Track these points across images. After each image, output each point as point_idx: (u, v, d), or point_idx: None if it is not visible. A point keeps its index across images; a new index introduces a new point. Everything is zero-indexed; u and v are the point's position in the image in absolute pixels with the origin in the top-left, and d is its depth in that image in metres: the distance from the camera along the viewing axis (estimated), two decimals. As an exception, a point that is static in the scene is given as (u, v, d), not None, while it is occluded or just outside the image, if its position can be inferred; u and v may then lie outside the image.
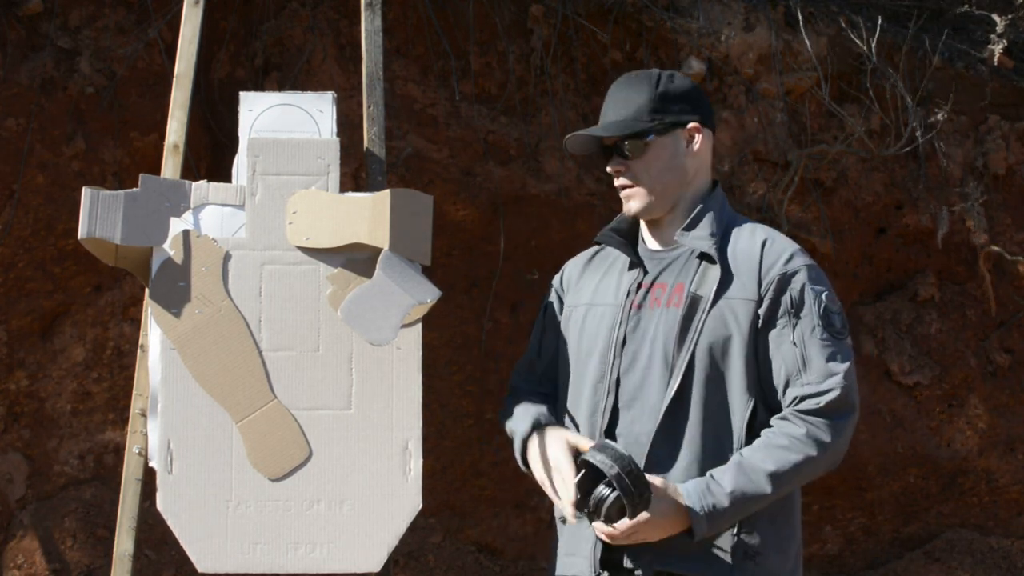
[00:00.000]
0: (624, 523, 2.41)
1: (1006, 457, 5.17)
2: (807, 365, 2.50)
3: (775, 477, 2.45)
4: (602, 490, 2.40)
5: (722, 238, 2.63)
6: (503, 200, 4.53)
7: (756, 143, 4.85)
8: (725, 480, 2.44)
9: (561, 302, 2.82)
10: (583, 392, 2.65)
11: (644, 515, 2.41)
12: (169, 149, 2.95)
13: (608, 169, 2.67)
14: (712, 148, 2.75)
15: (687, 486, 2.45)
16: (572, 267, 2.86)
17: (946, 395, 5.08)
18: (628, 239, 2.74)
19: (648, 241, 2.72)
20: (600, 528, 2.45)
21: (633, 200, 2.66)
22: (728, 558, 2.50)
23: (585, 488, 2.45)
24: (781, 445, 2.46)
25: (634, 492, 2.37)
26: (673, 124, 2.63)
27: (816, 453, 2.46)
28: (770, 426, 2.53)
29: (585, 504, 2.44)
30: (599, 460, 2.39)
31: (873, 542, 5.10)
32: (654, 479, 2.44)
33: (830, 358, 2.50)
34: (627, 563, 2.53)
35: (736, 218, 2.71)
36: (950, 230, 5.07)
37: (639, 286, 2.65)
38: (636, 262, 2.68)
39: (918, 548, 5.10)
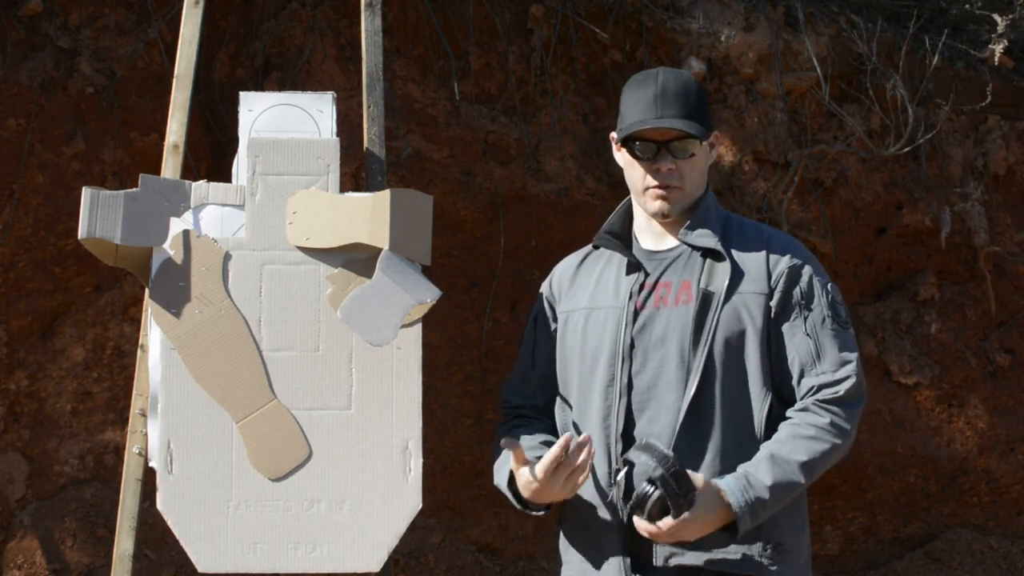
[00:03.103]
0: (668, 522, 2.41)
1: (1006, 457, 5.17)
2: (821, 355, 2.55)
3: (807, 467, 2.49)
4: (645, 487, 2.40)
5: (722, 235, 2.64)
6: (503, 200, 4.53)
7: (756, 143, 4.85)
8: (762, 473, 2.46)
9: (553, 310, 2.81)
10: (592, 397, 2.64)
11: (686, 514, 2.41)
12: (169, 149, 2.95)
13: (660, 168, 2.63)
14: None
15: (727, 482, 2.46)
16: (561, 273, 2.85)
17: (946, 395, 5.08)
18: (622, 241, 2.74)
19: (643, 242, 2.72)
20: (643, 526, 2.45)
21: (672, 201, 2.64)
22: (751, 549, 2.52)
23: (628, 485, 2.45)
24: (809, 436, 2.50)
25: (678, 493, 2.38)
26: (708, 130, 2.65)
27: (841, 442, 2.53)
28: (787, 418, 2.55)
29: (628, 499, 2.45)
30: (643, 460, 2.41)
31: (873, 542, 5.10)
32: (696, 477, 2.44)
33: (842, 348, 2.57)
34: (656, 561, 2.53)
35: (728, 215, 2.73)
36: (950, 230, 5.07)
37: (641, 287, 2.64)
38: (636, 263, 2.67)
39: (918, 548, 5.10)
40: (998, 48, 5.09)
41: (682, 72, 2.71)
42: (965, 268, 5.19)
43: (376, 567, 2.73)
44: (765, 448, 2.51)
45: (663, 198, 2.63)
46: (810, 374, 2.56)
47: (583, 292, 2.74)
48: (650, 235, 2.71)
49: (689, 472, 2.43)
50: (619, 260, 2.70)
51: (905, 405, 5.02)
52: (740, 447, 2.54)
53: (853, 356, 2.58)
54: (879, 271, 5.16)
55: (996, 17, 5.13)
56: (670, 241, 2.68)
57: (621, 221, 2.76)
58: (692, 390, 2.53)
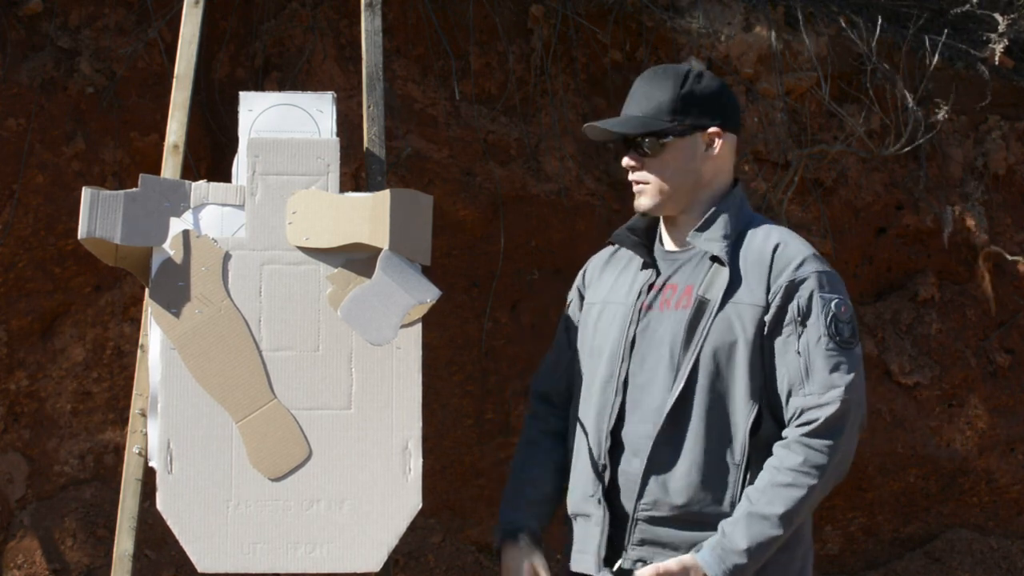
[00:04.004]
0: None
1: (1006, 457, 5.17)
2: (810, 376, 2.46)
3: (786, 518, 2.43)
4: None
5: (736, 240, 2.58)
6: (503, 200, 4.53)
7: (756, 143, 4.85)
8: (738, 536, 2.43)
9: (582, 299, 2.81)
10: (593, 391, 2.64)
11: None
12: (169, 149, 2.95)
13: (623, 163, 2.63)
14: (735, 150, 2.69)
15: (703, 556, 2.44)
16: (593, 264, 2.82)
17: (946, 395, 5.08)
18: (645, 238, 2.71)
19: (665, 241, 2.68)
20: None
21: (643, 197, 2.62)
22: None
23: None
24: (785, 483, 2.44)
25: None
26: (693, 127, 2.58)
27: (817, 482, 2.43)
28: (771, 453, 2.50)
29: None
30: None
31: (873, 542, 5.10)
32: (669, 565, 2.44)
33: (834, 369, 2.46)
34: (627, 564, 2.53)
35: (754, 220, 2.65)
36: (950, 230, 5.07)
37: (650, 287, 2.63)
38: (649, 262, 2.66)
39: (918, 548, 5.11)
40: (998, 48, 5.09)
41: (670, 67, 2.66)
42: (965, 268, 5.19)
43: (376, 567, 2.73)
44: (745, 499, 2.46)
45: (638, 194, 2.63)
46: (797, 394, 2.48)
47: (604, 286, 2.73)
48: (670, 235, 2.68)
49: (657, 567, 2.44)
50: (639, 257, 2.69)
51: (905, 405, 5.03)
52: (719, 459, 2.50)
53: (845, 379, 2.45)
54: (879, 271, 5.16)
55: (996, 17, 5.13)
56: (686, 242, 2.66)
57: (647, 217, 2.73)
58: (673, 397, 2.50)
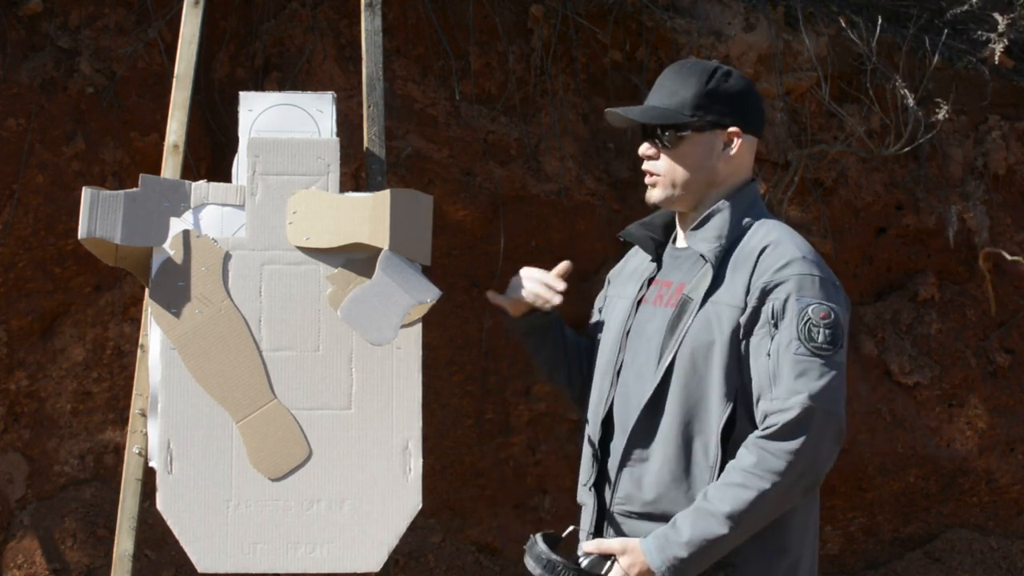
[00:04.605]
0: None
1: (1006, 457, 5.17)
2: (776, 380, 2.42)
3: (733, 518, 2.38)
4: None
5: (736, 240, 2.55)
6: (503, 200, 4.53)
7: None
8: (684, 529, 2.40)
9: (608, 285, 2.83)
10: (596, 380, 2.68)
11: None
12: (169, 149, 2.96)
13: (640, 151, 2.62)
14: (754, 153, 2.66)
15: (647, 543, 2.42)
16: (626, 256, 2.84)
17: (946, 395, 5.08)
18: (662, 233, 2.71)
19: (678, 238, 2.69)
20: None
21: (655, 189, 2.61)
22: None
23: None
24: (736, 483, 2.40)
25: None
26: (713, 124, 2.56)
27: (768, 486, 2.38)
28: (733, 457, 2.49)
29: None
30: (530, 565, 2.44)
31: (873, 542, 5.10)
32: (612, 544, 2.44)
33: (800, 375, 2.40)
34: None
35: (762, 219, 2.61)
36: (954, 229, 5.07)
37: (650, 282, 2.64)
38: (653, 257, 2.67)
39: (918, 548, 5.11)
40: (998, 48, 5.09)
41: (698, 62, 2.65)
42: (965, 268, 5.19)
43: (376, 567, 2.74)
44: (701, 493, 2.44)
45: (650, 186, 2.62)
46: (765, 398, 2.43)
47: (623, 278, 2.76)
48: (682, 231, 2.68)
49: (600, 542, 2.45)
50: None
51: (905, 405, 5.03)
52: (691, 460, 2.49)
53: (811, 386, 2.38)
54: (879, 271, 5.16)
55: (996, 17, 5.13)
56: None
57: (671, 215, 2.72)
58: (648, 394, 2.51)
